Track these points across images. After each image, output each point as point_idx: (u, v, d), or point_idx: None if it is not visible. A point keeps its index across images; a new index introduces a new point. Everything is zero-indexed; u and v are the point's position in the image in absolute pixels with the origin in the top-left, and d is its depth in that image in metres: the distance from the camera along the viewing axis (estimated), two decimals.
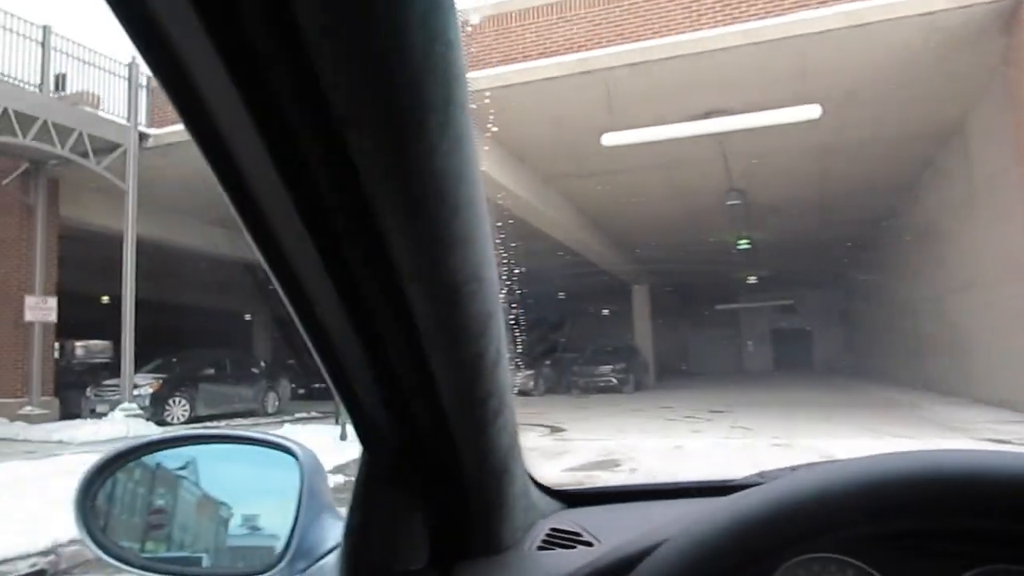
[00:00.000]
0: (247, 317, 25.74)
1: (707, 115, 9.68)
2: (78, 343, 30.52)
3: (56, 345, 27.60)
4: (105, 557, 0.82)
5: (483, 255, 0.49)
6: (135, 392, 11.63)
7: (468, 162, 0.43)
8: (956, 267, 12.93)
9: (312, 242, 0.44)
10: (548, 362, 21.79)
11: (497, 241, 0.56)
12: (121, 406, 10.42)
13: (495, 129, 10.85)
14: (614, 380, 19.85)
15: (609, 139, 9.34)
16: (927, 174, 13.76)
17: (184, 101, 0.38)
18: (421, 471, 0.64)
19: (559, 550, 0.74)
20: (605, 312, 30.24)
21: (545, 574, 0.68)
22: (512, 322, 0.75)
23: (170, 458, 0.90)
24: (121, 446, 0.90)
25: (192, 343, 18.19)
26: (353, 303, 0.49)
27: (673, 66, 9.09)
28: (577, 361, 21.36)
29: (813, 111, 8.45)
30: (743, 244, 18.77)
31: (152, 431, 9.84)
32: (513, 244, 18.36)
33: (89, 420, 10.67)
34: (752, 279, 25.33)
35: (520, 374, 19.86)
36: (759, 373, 29.33)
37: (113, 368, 14.82)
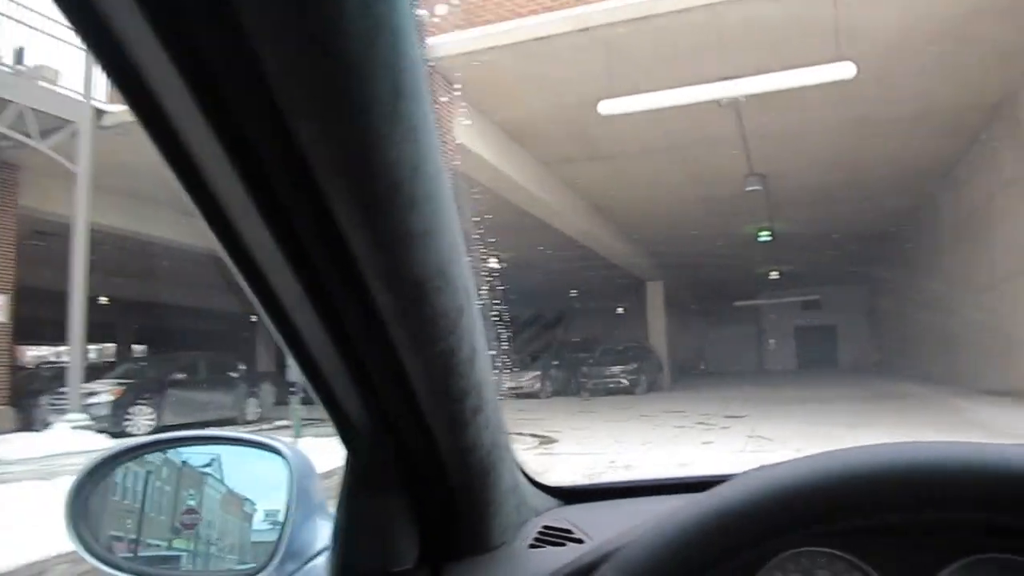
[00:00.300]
0: (253, 319, 24.83)
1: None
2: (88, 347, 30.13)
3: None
4: (95, 562, 0.82)
5: (449, 250, 0.48)
6: (92, 400, 10.63)
7: (425, 154, 0.42)
8: (1000, 255, 11.59)
9: (273, 237, 0.44)
10: (556, 363, 20.69)
11: (475, 236, 0.57)
12: (66, 416, 9.36)
13: (482, 103, 9.76)
14: (625, 381, 18.70)
15: (607, 107, 8.13)
16: (970, 155, 12.39)
17: (134, 95, 0.38)
18: (405, 471, 0.64)
19: (549, 548, 0.73)
20: (619, 310, 29.11)
21: (533, 572, 0.66)
22: (496, 319, 0.72)
23: (161, 461, 0.90)
24: (107, 451, 0.89)
25: (192, 347, 17.21)
26: (320, 300, 0.49)
27: (683, 22, 7.88)
28: (587, 362, 20.21)
29: (846, 70, 7.20)
30: (764, 236, 17.50)
31: (104, 445, 8.83)
32: (496, 237, 17.31)
33: (33, 433, 9.63)
34: (774, 274, 24.02)
35: (526, 375, 18.93)
36: (781, 372, 27.96)
37: (90, 372, 13.88)
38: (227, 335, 24.48)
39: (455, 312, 0.51)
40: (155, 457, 0.90)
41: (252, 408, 14.24)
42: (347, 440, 0.63)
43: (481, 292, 0.58)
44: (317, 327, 0.51)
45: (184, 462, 0.90)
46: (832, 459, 0.51)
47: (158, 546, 0.85)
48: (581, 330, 28.58)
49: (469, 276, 0.53)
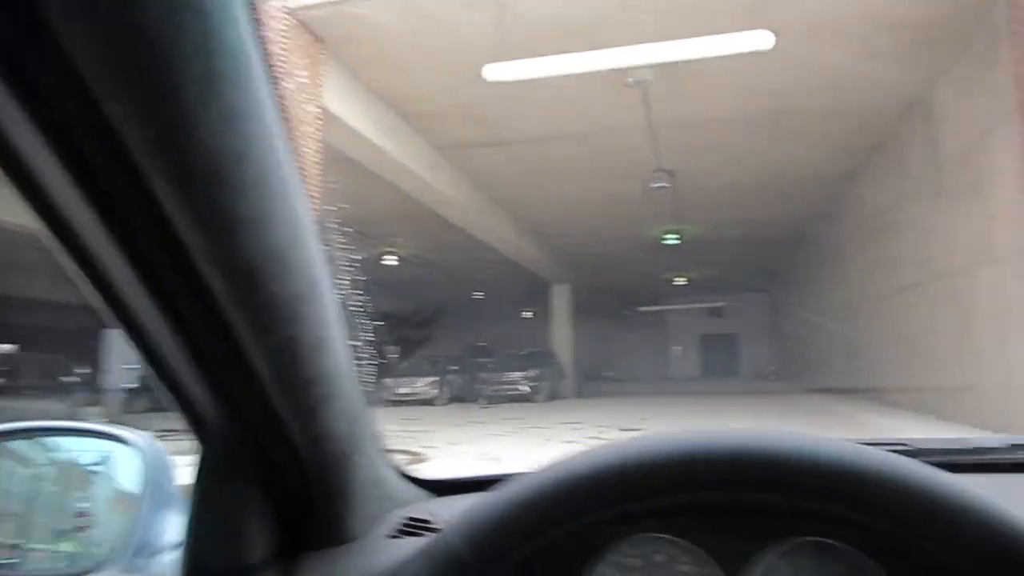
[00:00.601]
0: None
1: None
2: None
3: None
4: None
5: (285, 236, 0.48)
6: None
7: (251, 139, 0.42)
8: (902, 264, 11.20)
9: (99, 221, 0.43)
10: (455, 367, 19.58)
11: (332, 224, 0.58)
12: None
13: (363, 72, 8.51)
14: (526, 388, 17.73)
15: (494, 73, 7.04)
16: (878, 159, 11.99)
17: None
18: (259, 462, 0.63)
19: (408, 539, 0.74)
20: (526, 314, 28.26)
21: (386, 562, 0.66)
22: (358, 309, 0.73)
23: (47, 460, 0.85)
24: None
25: (63, 348, 15.01)
26: (153, 285, 0.48)
27: None
28: (487, 367, 19.15)
29: (764, 39, 6.37)
30: (671, 239, 16.92)
31: None
32: (393, 230, 16.04)
33: None
34: (681, 280, 23.68)
35: (421, 381, 17.88)
36: (686, 380, 27.76)
37: None
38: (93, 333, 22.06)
39: (295, 299, 0.50)
40: (32, 451, 0.85)
41: (95, 416, 12.33)
42: (197, 431, 0.62)
43: (340, 281, 0.58)
44: (154, 314, 0.49)
45: (70, 459, 0.84)
46: (615, 449, 0.55)
47: (42, 551, 0.80)
48: (486, 334, 27.62)
49: (315, 263, 0.52)
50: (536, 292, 22.59)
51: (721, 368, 29.26)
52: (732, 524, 0.63)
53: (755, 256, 20.73)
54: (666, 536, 0.64)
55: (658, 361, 31.26)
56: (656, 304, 28.49)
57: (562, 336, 21.55)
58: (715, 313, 29.41)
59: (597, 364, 28.59)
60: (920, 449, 0.95)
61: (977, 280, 8.56)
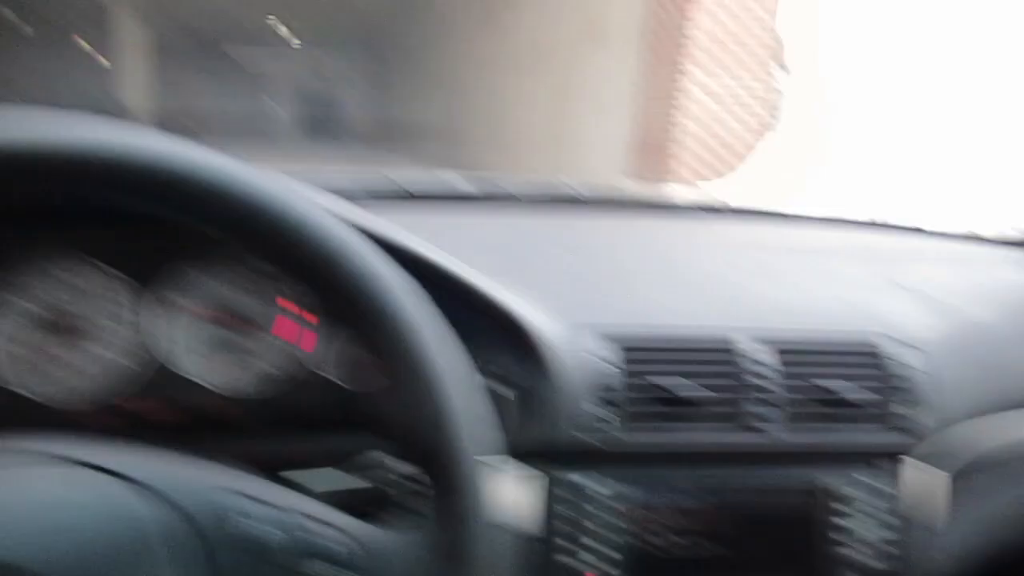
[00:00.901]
0: None
1: None
2: None
3: None
4: None
5: None
6: None
7: None
8: (517, 37, 11.14)
9: None
10: None
11: None
12: None
13: None
14: None
15: None
16: None
17: None
18: None
19: None
20: (87, 52, 23.33)
21: None
22: None
23: None
24: None
25: None
26: None
27: None
28: None
29: None
30: None
31: None
32: None
33: None
34: (283, 28, 21.49)
35: None
36: (281, 137, 26.35)
37: None
38: None
39: None
40: None
41: None
42: None
43: None
44: None
45: None
46: None
47: None
48: (32, 78, 22.37)
49: None
50: (97, 24, 18.47)
51: (321, 129, 28.45)
52: (134, 241, 0.60)
53: (369, 15, 19.45)
54: (67, 252, 0.61)
55: (252, 116, 29.08)
56: (254, 52, 25.86)
57: (131, 81, 18.28)
58: (318, 70, 28.00)
59: (179, 117, 25.41)
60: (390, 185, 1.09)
61: (579, 57, 8.70)
